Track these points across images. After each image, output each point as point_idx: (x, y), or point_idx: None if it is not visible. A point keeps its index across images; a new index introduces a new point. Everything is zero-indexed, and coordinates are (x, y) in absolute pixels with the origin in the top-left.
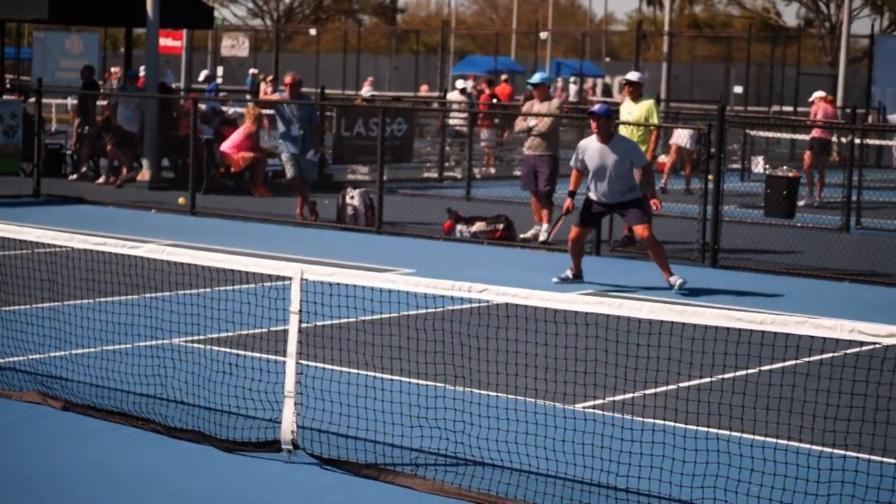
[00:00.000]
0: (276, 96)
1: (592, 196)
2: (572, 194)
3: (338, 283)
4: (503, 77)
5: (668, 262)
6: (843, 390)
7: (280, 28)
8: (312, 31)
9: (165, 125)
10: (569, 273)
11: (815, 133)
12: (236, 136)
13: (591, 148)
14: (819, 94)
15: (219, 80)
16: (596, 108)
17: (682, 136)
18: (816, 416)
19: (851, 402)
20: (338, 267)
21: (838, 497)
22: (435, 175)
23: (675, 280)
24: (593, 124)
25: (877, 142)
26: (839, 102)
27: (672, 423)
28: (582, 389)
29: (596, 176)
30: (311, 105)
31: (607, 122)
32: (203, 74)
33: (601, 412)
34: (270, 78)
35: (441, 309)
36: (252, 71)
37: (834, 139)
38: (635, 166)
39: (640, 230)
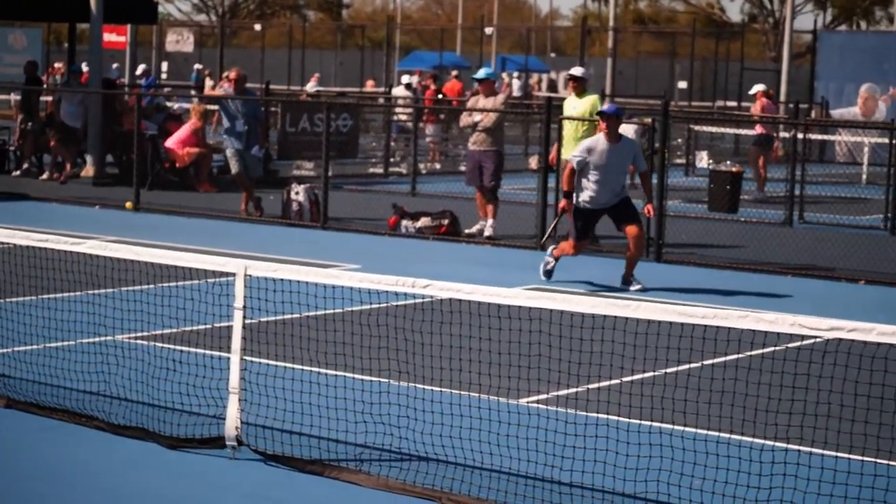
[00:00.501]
0: (220, 92)
1: (584, 201)
2: (568, 195)
3: (282, 279)
4: (453, 73)
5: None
6: (784, 384)
7: (225, 23)
8: (257, 27)
9: (109, 121)
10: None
11: (759, 129)
12: (182, 132)
13: (598, 148)
14: (759, 87)
15: (163, 75)
16: (606, 107)
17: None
18: (759, 409)
19: (793, 396)
20: (282, 263)
21: (780, 490)
22: (380, 170)
23: (636, 286)
24: (603, 125)
25: (820, 136)
26: (782, 98)
27: (615, 418)
28: (526, 384)
29: (597, 176)
30: (256, 101)
31: (617, 123)
32: (140, 68)
33: (545, 407)
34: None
35: (385, 304)
36: (197, 66)
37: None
38: (638, 169)
39: (634, 228)
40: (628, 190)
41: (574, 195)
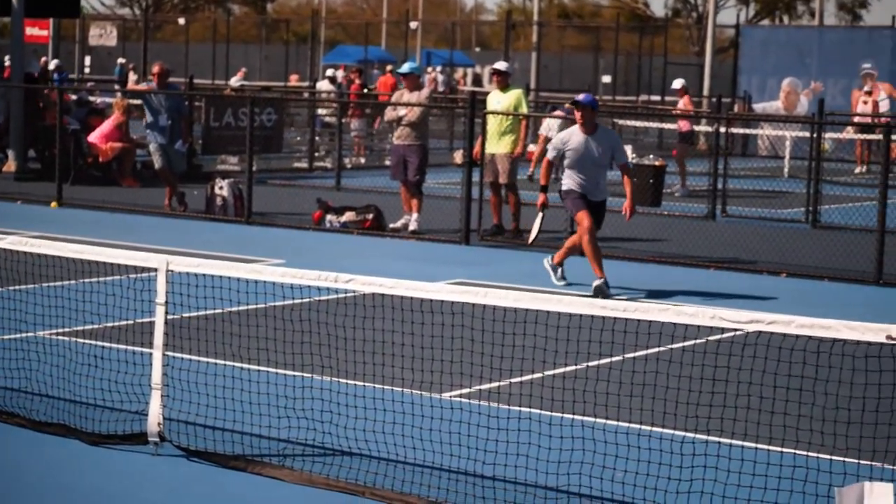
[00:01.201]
0: (143, 86)
1: (576, 187)
2: (545, 189)
3: (204, 274)
4: (388, 68)
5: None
6: (705, 376)
7: (149, 17)
8: (181, 21)
9: (31, 115)
10: (599, 282)
11: (686, 125)
12: (104, 127)
13: (574, 139)
14: (679, 83)
15: (87, 70)
16: (581, 97)
17: (550, 128)
18: (679, 402)
19: (713, 388)
20: (206, 258)
21: (700, 482)
22: (305, 165)
23: (560, 278)
24: (578, 115)
25: (742, 130)
26: (705, 92)
27: (538, 411)
28: (448, 378)
29: (577, 167)
30: (180, 95)
31: (592, 113)
32: (53, 63)
33: (468, 401)
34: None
35: (308, 299)
36: (120, 60)
37: (700, 128)
38: (617, 162)
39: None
40: (607, 191)
41: (565, 183)
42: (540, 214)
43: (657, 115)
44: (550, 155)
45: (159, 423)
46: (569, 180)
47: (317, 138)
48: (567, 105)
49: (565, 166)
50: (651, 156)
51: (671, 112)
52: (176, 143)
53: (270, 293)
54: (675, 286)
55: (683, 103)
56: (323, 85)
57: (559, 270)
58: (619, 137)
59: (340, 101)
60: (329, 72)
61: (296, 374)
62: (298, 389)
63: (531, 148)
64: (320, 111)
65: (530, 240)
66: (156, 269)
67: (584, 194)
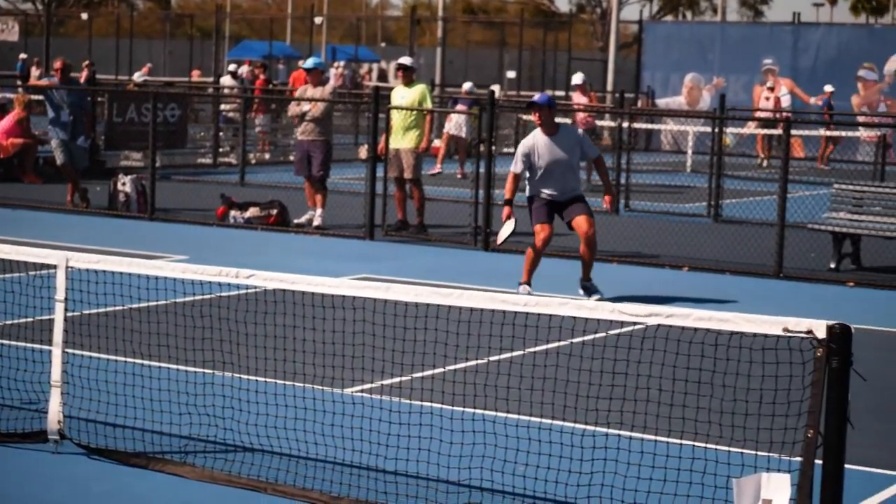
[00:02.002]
0: (45, 81)
1: (543, 193)
2: (509, 202)
3: (104, 271)
4: (300, 63)
5: (590, 268)
6: (605, 370)
7: (51, 12)
8: (84, 16)
9: None
10: (524, 284)
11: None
12: (5, 122)
13: (538, 143)
14: (578, 78)
15: None
16: (536, 97)
17: (454, 125)
18: (580, 395)
19: (613, 382)
20: (108, 255)
21: (601, 474)
22: (209, 161)
23: (595, 295)
24: (535, 116)
25: (646, 126)
26: (609, 87)
27: (440, 406)
28: (351, 373)
29: (547, 173)
30: (82, 91)
31: (550, 113)
32: None
33: (370, 396)
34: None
35: (210, 296)
36: (22, 56)
37: (603, 123)
38: (588, 156)
39: (583, 220)
40: (581, 189)
41: (530, 188)
42: (511, 222)
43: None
44: (518, 168)
45: (59, 421)
46: (534, 186)
47: (221, 134)
48: (522, 115)
49: (534, 175)
50: None
51: (573, 107)
52: (78, 139)
53: (172, 289)
54: (579, 280)
55: (578, 97)
56: (225, 80)
57: (527, 286)
58: (584, 133)
59: (244, 97)
60: (231, 66)
61: (197, 370)
62: (200, 386)
63: (436, 143)
64: (223, 107)
65: (499, 241)
66: (55, 266)
67: (550, 200)
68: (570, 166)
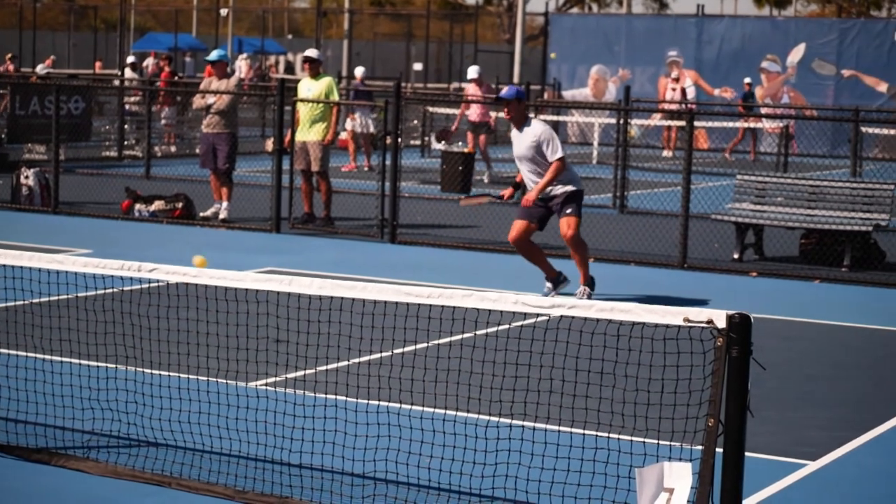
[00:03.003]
0: None
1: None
2: (516, 185)
3: (4, 265)
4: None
5: (587, 265)
6: (508, 361)
7: None
8: None
9: None
10: (548, 284)
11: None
12: None
13: (513, 135)
14: (473, 71)
15: None
16: (504, 91)
17: (359, 124)
18: (484, 387)
19: (517, 373)
20: (10, 248)
21: (505, 465)
22: (115, 154)
23: (582, 292)
24: (504, 110)
25: (552, 118)
26: (516, 79)
27: (344, 398)
28: (255, 367)
29: (520, 165)
30: None
31: (518, 105)
32: None
33: (274, 389)
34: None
35: (113, 290)
36: None
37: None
38: (547, 159)
39: (563, 228)
40: (568, 185)
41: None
42: (487, 198)
43: (468, 103)
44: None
45: None
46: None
47: (126, 127)
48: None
49: None
50: (460, 143)
51: (467, 98)
52: None
53: (74, 284)
54: (485, 273)
55: (474, 90)
56: (126, 73)
57: (558, 282)
58: (551, 130)
59: (148, 89)
60: (130, 59)
61: (100, 364)
62: (103, 380)
63: (343, 136)
64: (126, 100)
65: (462, 201)
66: None
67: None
68: (535, 163)
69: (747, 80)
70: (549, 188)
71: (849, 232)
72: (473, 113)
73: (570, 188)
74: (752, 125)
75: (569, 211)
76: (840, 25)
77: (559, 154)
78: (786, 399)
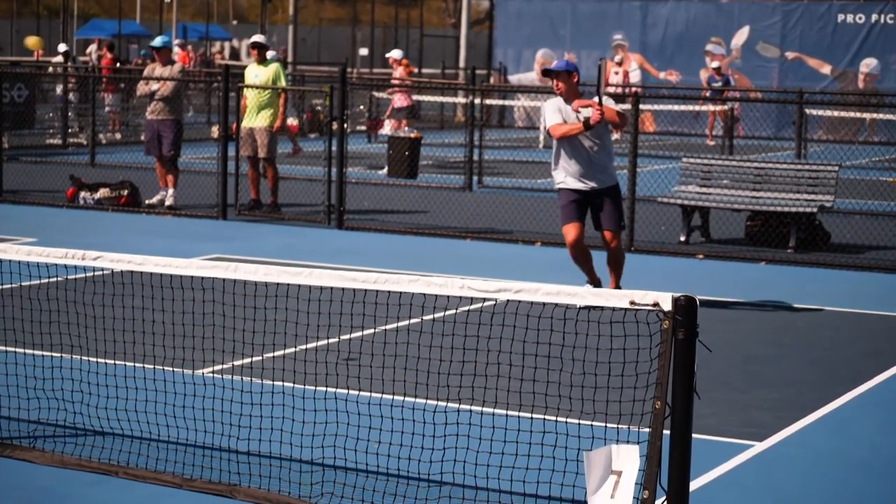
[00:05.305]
0: None
1: (569, 184)
2: (587, 122)
3: None
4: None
5: (621, 274)
6: (456, 346)
7: None
8: None
9: None
10: (588, 286)
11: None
12: None
13: (564, 108)
14: (396, 53)
15: None
16: (554, 65)
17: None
18: (431, 372)
19: (464, 358)
20: None
21: (454, 450)
22: (59, 141)
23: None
24: (555, 84)
25: (499, 102)
26: (462, 64)
27: (291, 385)
28: (202, 354)
29: (569, 151)
30: None
31: (569, 79)
32: None
33: (221, 377)
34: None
35: (57, 278)
36: None
37: (456, 100)
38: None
39: (608, 235)
40: (614, 174)
41: (557, 174)
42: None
43: (415, 88)
44: (558, 118)
45: None
46: (561, 171)
47: (70, 114)
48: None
49: (561, 148)
50: (407, 128)
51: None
52: None
53: (17, 273)
54: (433, 257)
55: (399, 74)
56: (57, 60)
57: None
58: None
59: (90, 76)
60: (61, 46)
61: (45, 354)
62: (48, 370)
63: (291, 121)
64: (59, 88)
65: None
66: None
67: (576, 198)
68: (598, 142)
69: (714, 64)
70: (602, 175)
71: (794, 213)
72: (398, 99)
73: (614, 180)
74: (719, 108)
75: (615, 221)
76: (783, 8)
77: (625, 120)
78: (732, 380)
